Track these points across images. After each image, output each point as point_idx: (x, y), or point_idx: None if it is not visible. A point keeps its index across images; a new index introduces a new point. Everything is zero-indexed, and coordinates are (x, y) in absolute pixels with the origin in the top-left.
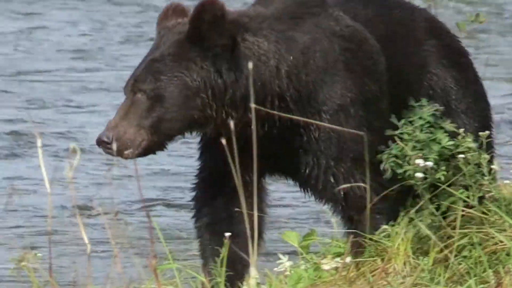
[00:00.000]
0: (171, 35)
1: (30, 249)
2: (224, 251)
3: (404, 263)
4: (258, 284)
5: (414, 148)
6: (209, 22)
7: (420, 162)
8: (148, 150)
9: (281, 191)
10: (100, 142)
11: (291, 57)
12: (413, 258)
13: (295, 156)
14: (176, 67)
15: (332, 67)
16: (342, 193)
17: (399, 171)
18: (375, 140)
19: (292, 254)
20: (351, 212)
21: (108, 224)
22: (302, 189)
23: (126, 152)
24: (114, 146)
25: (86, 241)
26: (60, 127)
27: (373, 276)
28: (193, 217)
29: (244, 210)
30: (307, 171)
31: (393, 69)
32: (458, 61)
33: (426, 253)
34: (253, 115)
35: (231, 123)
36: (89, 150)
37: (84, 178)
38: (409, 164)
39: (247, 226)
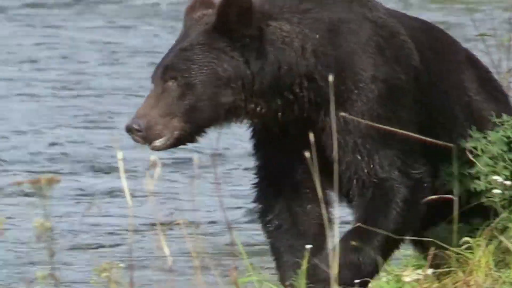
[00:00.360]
0: (199, 26)
1: (111, 261)
2: (304, 263)
3: (486, 276)
4: None
5: (487, 163)
6: (236, 14)
7: (497, 178)
8: (180, 141)
9: None
10: (130, 129)
11: (317, 36)
12: (495, 271)
13: (324, 139)
14: (206, 56)
15: (364, 45)
16: (365, 171)
17: (475, 187)
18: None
19: None
20: (370, 191)
21: (189, 236)
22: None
23: (157, 142)
24: (145, 134)
25: (167, 253)
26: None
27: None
28: (259, 217)
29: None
30: (333, 151)
31: (432, 75)
32: (496, 95)
33: (507, 266)
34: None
35: (310, 135)
36: (168, 163)
37: (163, 190)
38: (478, 179)
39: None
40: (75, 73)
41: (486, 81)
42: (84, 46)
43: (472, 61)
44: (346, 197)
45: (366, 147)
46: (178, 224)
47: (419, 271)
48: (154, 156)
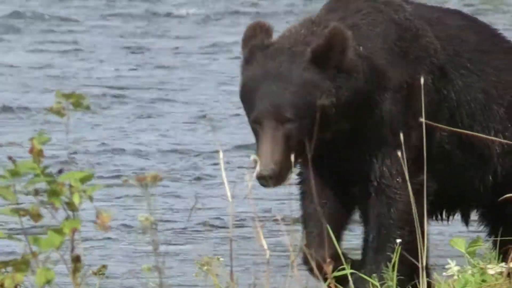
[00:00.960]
0: (293, 63)
1: (212, 255)
2: (395, 256)
3: None
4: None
5: None
6: (339, 51)
7: None
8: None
9: None
10: (261, 178)
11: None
12: None
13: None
14: (313, 94)
15: (391, 50)
16: (376, 174)
17: None
18: (416, 128)
19: (460, 259)
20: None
21: (286, 231)
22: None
23: (280, 183)
24: (275, 181)
25: (265, 247)
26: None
27: None
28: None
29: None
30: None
31: (468, 73)
32: None
33: None
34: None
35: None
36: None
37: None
38: None
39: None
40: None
41: None
42: None
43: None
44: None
45: (381, 151)
46: (276, 219)
47: (503, 264)
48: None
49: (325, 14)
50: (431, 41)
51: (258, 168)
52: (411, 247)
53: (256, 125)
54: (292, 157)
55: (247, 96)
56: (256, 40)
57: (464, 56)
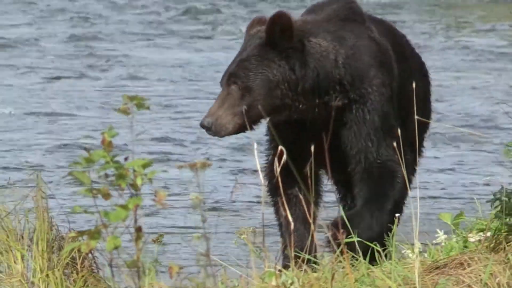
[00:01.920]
0: (254, 40)
1: (248, 227)
2: (394, 229)
3: None
4: (420, 252)
5: None
6: (279, 31)
7: None
8: (237, 131)
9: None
10: (202, 126)
11: (343, 51)
12: None
13: (342, 130)
14: (260, 65)
15: (374, 59)
16: (374, 155)
17: None
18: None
19: (446, 229)
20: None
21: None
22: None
23: (221, 133)
24: (213, 129)
25: (290, 219)
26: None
27: (508, 246)
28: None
29: None
30: (349, 139)
31: (401, 80)
32: (426, 110)
33: None
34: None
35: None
36: None
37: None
38: None
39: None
40: None
41: (428, 94)
42: None
43: (424, 72)
44: (346, 176)
45: (376, 136)
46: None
47: (481, 233)
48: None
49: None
50: (392, 55)
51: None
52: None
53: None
54: (239, 117)
55: None
56: (252, 30)
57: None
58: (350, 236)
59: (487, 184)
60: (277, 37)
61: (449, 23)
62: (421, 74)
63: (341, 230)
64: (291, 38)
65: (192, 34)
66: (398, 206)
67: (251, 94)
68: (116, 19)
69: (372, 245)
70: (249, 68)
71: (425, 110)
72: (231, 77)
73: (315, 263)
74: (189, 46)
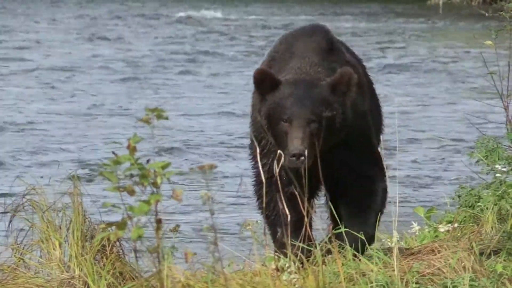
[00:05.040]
0: (318, 88)
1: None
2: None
3: (492, 228)
4: (398, 241)
5: None
6: (348, 86)
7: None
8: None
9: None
10: (299, 155)
11: None
12: (498, 224)
13: (335, 152)
14: (330, 109)
15: (362, 84)
16: (356, 169)
17: None
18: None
19: (420, 221)
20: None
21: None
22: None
23: (308, 162)
24: (303, 160)
25: (286, 212)
26: None
27: (472, 235)
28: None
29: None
30: (342, 161)
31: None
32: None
33: (505, 221)
34: None
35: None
36: None
37: None
38: None
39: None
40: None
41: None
42: None
43: (372, 90)
44: (332, 188)
45: (359, 153)
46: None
47: (449, 225)
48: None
49: (309, 59)
50: (362, 75)
51: (290, 149)
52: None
53: (286, 125)
54: (316, 149)
55: (277, 109)
56: (271, 79)
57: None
58: (338, 227)
59: (456, 179)
60: (343, 90)
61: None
62: (374, 91)
63: (330, 224)
64: (350, 92)
65: None
66: (382, 209)
67: (322, 131)
68: None
69: (359, 235)
70: (324, 111)
71: (381, 124)
72: (311, 115)
73: (309, 251)
74: None
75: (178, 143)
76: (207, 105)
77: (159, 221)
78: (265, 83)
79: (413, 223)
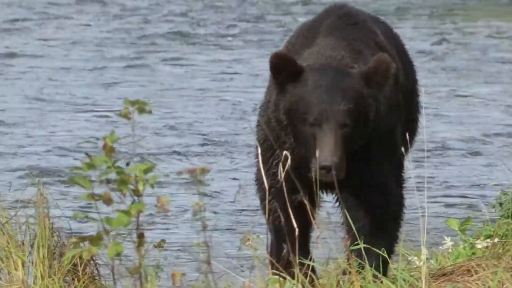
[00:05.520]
0: (344, 76)
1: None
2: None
3: None
4: (427, 259)
5: None
6: (385, 78)
7: None
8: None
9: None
10: (327, 169)
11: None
12: None
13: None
14: (367, 109)
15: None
16: (374, 177)
17: None
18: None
19: (454, 236)
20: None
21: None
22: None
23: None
24: (335, 173)
25: (295, 225)
26: None
27: None
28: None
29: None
30: (359, 163)
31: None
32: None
33: None
34: None
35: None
36: None
37: None
38: None
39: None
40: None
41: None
42: None
43: (411, 81)
44: (346, 196)
45: (380, 154)
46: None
47: (488, 240)
48: None
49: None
50: (396, 61)
51: (320, 159)
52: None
53: (314, 127)
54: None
55: (301, 104)
56: (291, 65)
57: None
58: (356, 243)
59: (497, 185)
60: (381, 84)
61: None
62: (416, 82)
63: (345, 236)
64: (386, 83)
65: None
66: (400, 219)
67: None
68: None
69: (380, 252)
70: (358, 110)
71: (416, 123)
72: (343, 119)
73: (313, 270)
74: None
75: (163, 142)
76: (198, 95)
77: (141, 236)
78: (284, 70)
79: (445, 237)
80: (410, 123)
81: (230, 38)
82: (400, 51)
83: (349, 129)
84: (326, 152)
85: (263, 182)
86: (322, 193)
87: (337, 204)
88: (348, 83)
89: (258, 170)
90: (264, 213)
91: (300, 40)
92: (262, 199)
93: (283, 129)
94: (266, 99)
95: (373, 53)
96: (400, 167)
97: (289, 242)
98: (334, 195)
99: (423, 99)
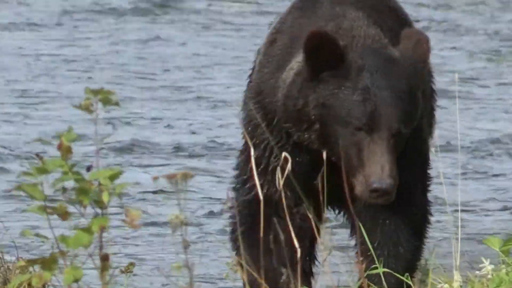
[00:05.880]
0: (391, 65)
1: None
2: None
3: None
4: (461, 286)
5: None
6: (424, 61)
7: None
8: None
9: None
10: (381, 192)
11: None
12: None
13: None
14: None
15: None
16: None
17: None
18: None
19: (494, 258)
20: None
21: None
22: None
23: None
24: (391, 197)
25: (297, 245)
26: None
27: None
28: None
29: None
30: None
31: None
32: None
33: None
34: None
35: None
36: None
37: None
38: None
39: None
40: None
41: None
42: None
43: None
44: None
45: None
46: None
47: None
48: None
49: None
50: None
51: (372, 179)
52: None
53: (360, 133)
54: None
55: (341, 104)
56: (334, 47)
57: None
58: (374, 266)
59: None
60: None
61: None
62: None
63: (359, 258)
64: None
65: None
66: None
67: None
68: None
69: (405, 279)
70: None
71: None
72: (399, 125)
73: None
74: None
75: (133, 141)
76: (173, 83)
77: (105, 258)
78: (325, 53)
79: (484, 260)
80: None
81: None
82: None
83: (403, 135)
84: (379, 170)
85: (250, 193)
86: (329, 205)
87: (346, 217)
88: (399, 75)
89: (244, 177)
90: (237, 246)
91: (296, 18)
92: (244, 221)
93: (303, 122)
94: (258, 85)
95: (400, 30)
96: (425, 168)
97: (289, 266)
98: (342, 207)
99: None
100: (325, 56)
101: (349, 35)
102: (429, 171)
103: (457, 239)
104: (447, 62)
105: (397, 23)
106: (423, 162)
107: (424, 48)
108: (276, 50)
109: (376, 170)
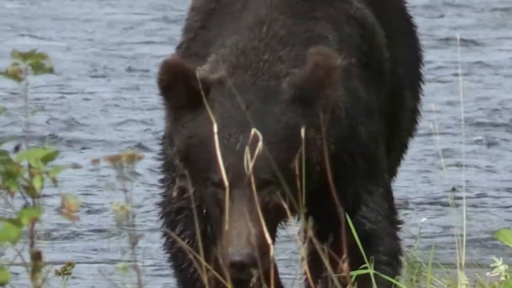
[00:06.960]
0: (264, 100)
1: None
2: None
3: None
4: None
5: None
6: (325, 86)
7: None
8: None
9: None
10: (238, 266)
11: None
12: None
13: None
14: None
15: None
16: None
17: None
18: None
19: (507, 256)
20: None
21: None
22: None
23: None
24: (250, 270)
25: (269, 241)
26: None
27: None
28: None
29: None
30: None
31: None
32: None
33: None
34: None
35: None
36: None
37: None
38: None
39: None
40: None
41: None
42: None
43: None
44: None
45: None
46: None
47: None
48: None
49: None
50: (380, 33)
51: (227, 250)
52: None
53: (218, 189)
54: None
55: (201, 149)
56: (189, 80)
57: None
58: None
59: None
60: (320, 98)
61: None
62: (419, 62)
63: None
64: (332, 95)
65: None
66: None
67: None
68: None
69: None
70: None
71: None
72: (259, 173)
73: None
74: None
75: (73, 116)
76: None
77: (37, 256)
78: (180, 88)
79: (495, 259)
80: (406, 114)
81: None
82: (394, 16)
83: (276, 187)
84: (235, 240)
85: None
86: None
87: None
88: (274, 112)
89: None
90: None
91: (211, 26)
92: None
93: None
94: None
95: (342, 34)
96: (386, 194)
97: None
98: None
99: None
100: (181, 94)
101: (227, 60)
102: (390, 197)
103: (461, 235)
104: None
105: (337, 28)
106: (383, 187)
107: (320, 73)
108: None
109: (233, 240)
